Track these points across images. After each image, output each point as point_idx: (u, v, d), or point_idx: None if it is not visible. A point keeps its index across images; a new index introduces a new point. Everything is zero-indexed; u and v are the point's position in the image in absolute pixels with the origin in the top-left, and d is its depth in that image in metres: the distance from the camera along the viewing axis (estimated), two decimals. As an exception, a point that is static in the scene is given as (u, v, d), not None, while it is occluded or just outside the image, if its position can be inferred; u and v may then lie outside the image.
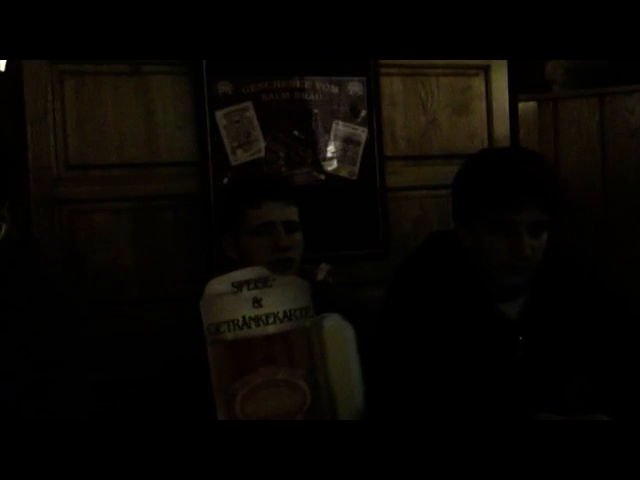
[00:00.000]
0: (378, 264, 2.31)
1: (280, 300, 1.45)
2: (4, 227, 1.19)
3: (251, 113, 2.23)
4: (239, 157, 2.22)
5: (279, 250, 1.78)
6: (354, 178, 2.32)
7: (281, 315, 1.45)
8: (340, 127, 2.32)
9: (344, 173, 2.32)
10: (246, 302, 1.43)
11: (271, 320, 1.43)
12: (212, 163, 2.18)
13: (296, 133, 2.27)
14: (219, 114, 2.20)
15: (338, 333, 1.48)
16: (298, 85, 2.28)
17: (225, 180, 2.19)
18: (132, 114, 2.14)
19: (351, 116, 2.33)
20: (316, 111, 2.30)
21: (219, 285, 1.43)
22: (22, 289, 1.22)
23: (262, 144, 2.24)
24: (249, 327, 1.42)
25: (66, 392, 1.15)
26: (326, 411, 1.43)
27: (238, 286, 1.43)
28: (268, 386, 1.40)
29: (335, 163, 2.31)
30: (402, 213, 2.39)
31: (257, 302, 1.43)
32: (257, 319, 1.43)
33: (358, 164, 2.33)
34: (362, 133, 2.34)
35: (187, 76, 2.19)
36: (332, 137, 2.31)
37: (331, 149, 2.30)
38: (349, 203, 2.31)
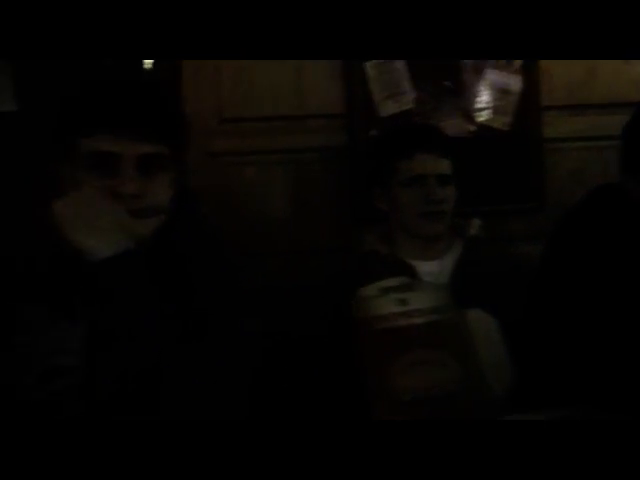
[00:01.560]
0: (532, 219, 2.22)
1: (424, 299, 1.57)
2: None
3: (401, 64, 2.18)
4: (388, 109, 2.18)
5: (430, 203, 1.75)
6: (507, 129, 2.23)
7: (426, 310, 1.55)
8: (493, 76, 2.23)
9: (497, 124, 2.23)
10: (392, 302, 1.55)
11: (417, 314, 1.54)
12: (360, 115, 2.16)
13: (447, 83, 2.20)
14: (368, 65, 2.17)
15: (482, 322, 1.59)
16: (449, 33, 2.20)
17: (373, 132, 2.16)
18: (282, 66, 2.15)
19: (504, 64, 2.23)
20: (468, 61, 2.21)
21: (368, 291, 1.59)
22: (188, 240, 1.26)
23: (412, 95, 2.19)
24: (397, 320, 1.54)
25: (223, 341, 1.18)
26: (477, 386, 1.52)
27: (384, 291, 1.58)
28: (419, 365, 1.51)
29: (487, 114, 2.22)
30: (558, 166, 2.27)
31: (402, 302, 1.55)
32: (404, 314, 1.54)
33: (511, 114, 2.23)
34: (516, 82, 2.23)
35: (337, 27, 2.17)
36: (484, 87, 2.22)
37: (483, 99, 2.22)
38: (501, 155, 2.22)
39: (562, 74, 2.27)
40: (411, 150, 1.77)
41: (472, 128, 2.21)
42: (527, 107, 2.23)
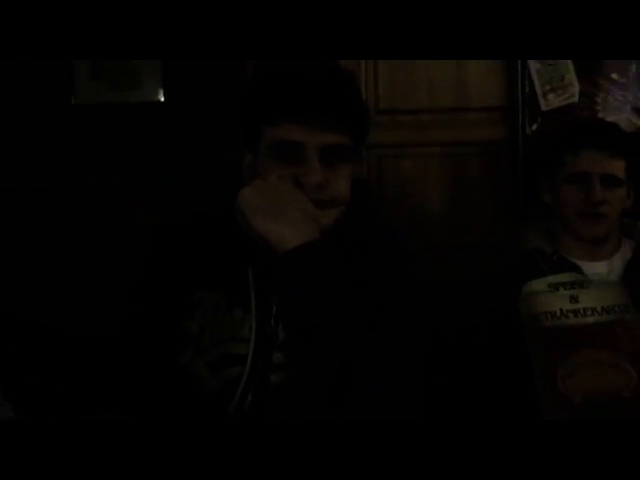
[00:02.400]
0: None
1: (597, 297, 1.51)
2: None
3: (565, 55, 2.10)
4: (550, 102, 2.11)
5: (589, 204, 1.67)
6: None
7: (599, 309, 1.50)
8: (663, 69, 2.11)
9: (668, 120, 2.11)
10: (563, 298, 1.52)
11: (589, 313, 1.50)
12: (522, 108, 2.10)
13: (614, 76, 2.10)
14: (531, 56, 2.10)
15: None
16: (619, 24, 2.10)
17: (534, 126, 2.09)
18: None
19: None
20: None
21: (536, 285, 1.55)
22: (366, 231, 1.25)
23: (576, 88, 2.10)
24: (567, 318, 1.50)
25: (406, 334, 1.15)
26: None
27: (555, 287, 1.53)
28: (590, 366, 1.46)
29: (657, 109, 2.11)
30: None
31: (574, 299, 1.51)
32: (575, 312, 1.50)
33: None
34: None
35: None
36: (654, 80, 2.11)
37: (653, 94, 2.10)
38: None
39: None
40: (579, 145, 1.70)
41: (641, 123, 2.11)
42: None
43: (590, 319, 1.51)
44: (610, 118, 2.07)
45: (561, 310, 1.52)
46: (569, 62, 2.10)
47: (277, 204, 1.13)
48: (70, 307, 2.11)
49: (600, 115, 2.08)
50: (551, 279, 1.56)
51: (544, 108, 2.11)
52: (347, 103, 1.16)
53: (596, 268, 1.70)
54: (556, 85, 2.11)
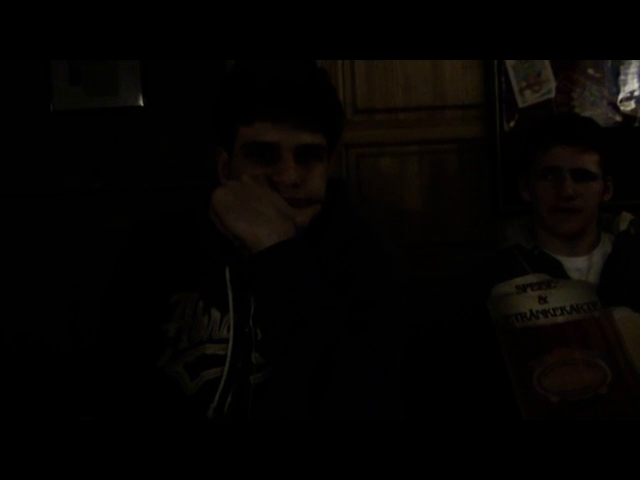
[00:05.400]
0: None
1: (565, 297, 1.55)
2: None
3: (541, 51, 2.11)
4: (527, 98, 2.11)
5: (561, 198, 1.68)
6: (655, 119, 2.12)
7: (568, 308, 1.54)
8: (638, 64, 2.12)
9: (644, 114, 2.12)
10: (532, 299, 1.55)
11: (559, 312, 1.53)
12: (499, 105, 2.10)
13: (590, 72, 2.11)
14: (507, 54, 2.11)
15: (630, 322, 1.53)
16: (593, 20, 2.11)
17: (512, 123, 2.10)
18: (418, 56, 2.12)
19: (651, 51, 2.11)
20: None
21: (504, 287, 1.59)
22: (341, 230, 1.25)
23: (553, 84, 2.11)
24: (537, 318, 1.53)
25: (382, 332, 1.15)
26: (632, 385, 1.46)
27: (522, 288, 1.57)
28: (564, 364, 1.48)
29: (634, 103, 2.11)
30: None
31: (542, 299, 1.55)
32: (545, 312, 1.53)
33: (660, 104, 2.12)
34: (664, 70, 2.11)
35: (474, 15, 2.12)
36: (631, 75, 2.11)
37: (630, 88, 2.11)
38: (651, 147, 2.11)
39: None
40: (550, 141, 1.71)
41: (618, 118, 2.11)
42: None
43: (560, 318, 1.53)
44: (587, 113, 2.08)
45: (531, 311, 1.55)
46: (545, 58, 2.11)
47: (251, 204, 1.13)
48: (49, 314, 2.10)
49: (577, 110, 2.09)
50: (518, 280, 1.59)
51: (521, 105, 2.11)
52: (321, 102, 1.16)
53: (576, 263, 1.71)
54: (532, 81, 2.11)
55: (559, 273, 1.66)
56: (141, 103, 2.14)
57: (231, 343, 1.20)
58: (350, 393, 1.08)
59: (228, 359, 1.19)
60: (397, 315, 1.20)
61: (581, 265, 1.71)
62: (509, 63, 2.10)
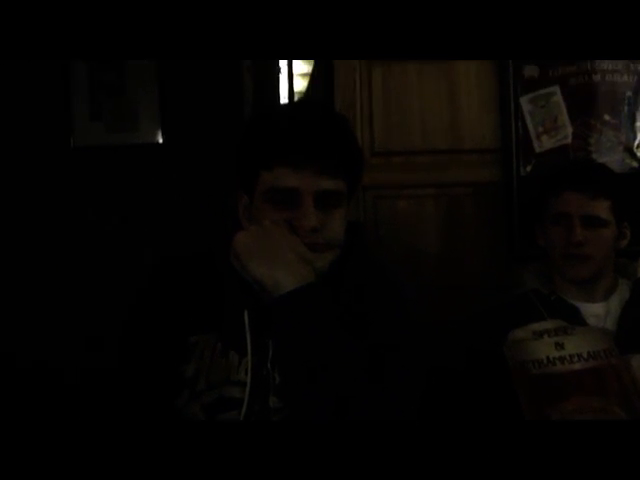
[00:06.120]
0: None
1: (582, 344, 1.54)
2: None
3: (558, 97, 2.13)
4: (544, 144, 2.13)
5: (570, 245, 1.67)
6: (672, 165, 2.12)
7: (585, 355, 1.52)
8: (654, 109, 2.14)
9: (660, 160, 2.13)
10: (548, 346, 1.54)
11: (575, 359, 1.52)
12: (516, 150, 2.12)
13: (607, 117, 2.13)
14: (524, 99, 2.13)
15: None
16: (610, 67, 2.13)
17: (529, 168, 2.12)
18: (436, 100, 2.15)
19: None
20: (629, 94, 2.13)
21: (520, 333, 1.58)
22: (359, 272, 1.25)
23: (569, 129, 2.13)
24: (554, 365, 1.52)
25: (402, 376, 1.15)
26: None
27: (539, 334, 1.56)
28: (582, 412, 1.47)
29: (650, 149, 2.13)
30: None
31: (559, 346, 1.54)
32: (561, 359, 1.52)
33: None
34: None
35: (492, 61, 2.14)
36: (646, 120, 2.13)
37: (645, 134, 2.13)
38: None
39: None
40: (561, 187, 1.71)
41: (635, 164, 2.12)
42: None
43: (577, 365, 1.51)
44: (603, 159, 2.09)
45: (547, 357, 1.53)
46: (561, 103, 2.12)
47: (271, 249, 1.13)
48: (69, 348, 2.10)
49: (594, 156, 2.10)
50: (535, 326, 1.58)
51: (538, 150, 2.13)
52: (341, 147, 1.17)
53: (593, 309, 1.70)
54: (549, 127, 2.13)
55: (576, 319, 1.66)
56: (160, 140, 2.16)
57: (249, 386, 1.20)
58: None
59: (245, 402, 1.19)
60: (415, 359, 1.19)
61: (598, 311, 1.70)
62: (526, 108, 2.13)
